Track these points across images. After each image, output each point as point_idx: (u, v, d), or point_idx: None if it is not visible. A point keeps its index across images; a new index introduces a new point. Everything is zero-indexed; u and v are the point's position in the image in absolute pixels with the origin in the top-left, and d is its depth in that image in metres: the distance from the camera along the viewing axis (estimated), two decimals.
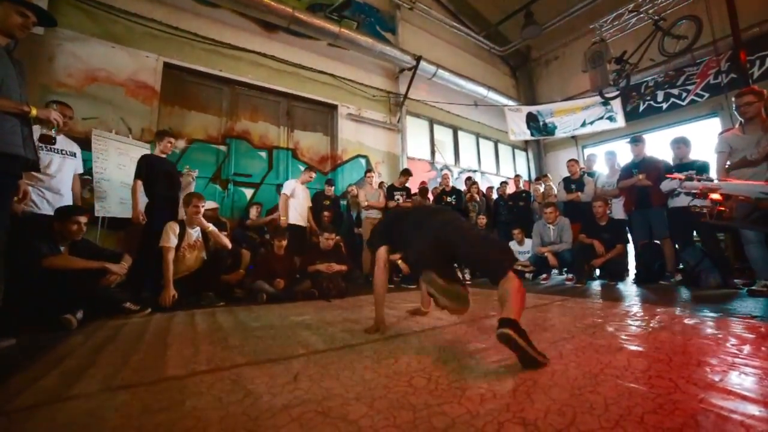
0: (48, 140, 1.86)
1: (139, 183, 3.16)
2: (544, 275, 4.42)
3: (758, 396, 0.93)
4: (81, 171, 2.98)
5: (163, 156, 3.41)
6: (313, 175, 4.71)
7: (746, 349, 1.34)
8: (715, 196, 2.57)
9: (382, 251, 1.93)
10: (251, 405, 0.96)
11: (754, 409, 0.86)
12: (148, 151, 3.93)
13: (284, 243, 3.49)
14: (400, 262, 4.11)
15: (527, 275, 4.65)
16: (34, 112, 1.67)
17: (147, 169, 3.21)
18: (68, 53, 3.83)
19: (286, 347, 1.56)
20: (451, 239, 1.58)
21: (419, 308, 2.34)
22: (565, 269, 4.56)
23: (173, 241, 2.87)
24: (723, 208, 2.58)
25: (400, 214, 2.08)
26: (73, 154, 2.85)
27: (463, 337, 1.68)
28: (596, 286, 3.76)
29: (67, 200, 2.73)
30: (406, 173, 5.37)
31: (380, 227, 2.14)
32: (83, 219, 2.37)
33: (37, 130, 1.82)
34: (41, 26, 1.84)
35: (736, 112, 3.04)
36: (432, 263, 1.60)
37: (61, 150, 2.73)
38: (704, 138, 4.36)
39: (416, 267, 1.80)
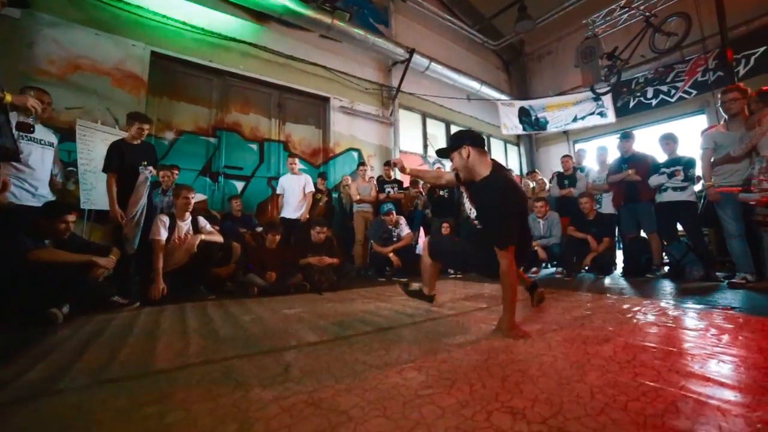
0: (26, 128, 1.80)
1: (112, 176, 2.83)
2: (534, 269, 4.49)
3: (734, 382, 0.97)
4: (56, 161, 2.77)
5: (137, 143, 3.00)
6: (295, 161, 4.55)
7: (725, 338, 1.39)
8: None
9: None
10: (241, 397, 0.96)
11: (730, 395, 0.89)
12: None
13: (278, 238, 3.46)
14: (392, 255, 4.13)
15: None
16: (9, 98, 1.60)
17: (118, 160, 2.84)
18: (49, 39, 3.69)
19: (277, 340, 1.56)
20: None
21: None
22: (555, 262, 4.63)
23: (163, 234, 2.82)
24: None
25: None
26: (51, 145, 2.64)
27: (453, 328, 1.70)
28: (585, 279, 3.83)
29: (45, 192, 2.58)
30: (388, 164, 5.37)
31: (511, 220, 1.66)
32: (72, 218, 2.30)
33: (14, 118, 1.75)
34: (13, 7, 1.75)
35: (720, 108, 3.10)
36: None
37: (40, 140, 2.54)
38: (692, 134, 4.48)
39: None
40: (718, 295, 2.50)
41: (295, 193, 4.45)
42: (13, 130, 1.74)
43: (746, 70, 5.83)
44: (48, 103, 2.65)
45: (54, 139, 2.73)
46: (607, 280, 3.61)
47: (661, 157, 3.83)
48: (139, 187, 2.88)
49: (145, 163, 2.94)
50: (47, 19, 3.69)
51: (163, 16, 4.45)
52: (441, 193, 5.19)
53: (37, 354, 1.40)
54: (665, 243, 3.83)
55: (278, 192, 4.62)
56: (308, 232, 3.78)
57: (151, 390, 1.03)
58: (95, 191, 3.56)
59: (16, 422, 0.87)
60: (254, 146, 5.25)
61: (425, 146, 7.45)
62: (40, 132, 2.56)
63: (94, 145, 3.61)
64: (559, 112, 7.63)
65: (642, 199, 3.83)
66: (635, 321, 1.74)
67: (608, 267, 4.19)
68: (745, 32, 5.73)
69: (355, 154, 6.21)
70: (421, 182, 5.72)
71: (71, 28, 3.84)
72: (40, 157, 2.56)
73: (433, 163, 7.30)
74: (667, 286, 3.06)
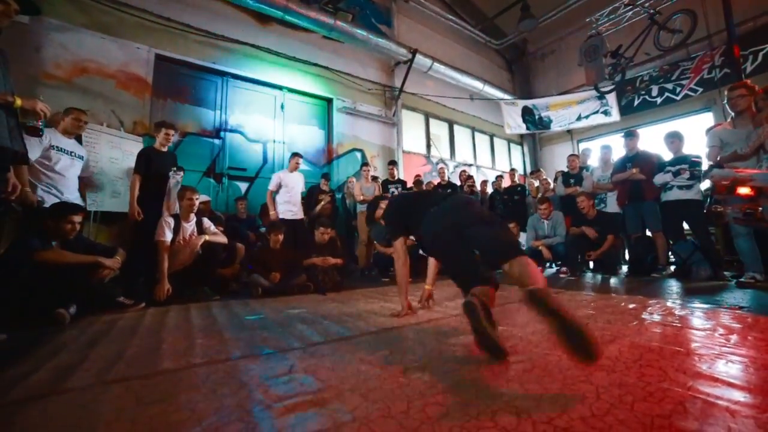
0: (35, 132, 1.82)
1: (138, 178, 3.12)
2: (539, 268, 4.47)
3: (743, 383, 0.96)
4: (83, 174, 3.01)
5: (163, 149, 3.34)
6: (300, 160, 4.44)
7: (733, 338, 1.37)
8: (744, 190, 2.15)
9: (400, 245, 1.94)
10: (246, 397, 0.96)
11: (739, 396, 0.88)
12: (140, 145, 3.87)
13: (280, 237, 3.47)
14: None
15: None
16: (18, 102, 1.62)
17: (146, 164, 3.15)
18: (56, 43, 3.74)
19: (282, 340, 1.56)
20: (465, 219, 1.53)
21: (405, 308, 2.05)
22: (559, 262, 4.61)
23: (168, 236, 2.85)
24: (755, 208, 2.14)
25: (408, 198, 2.07)
26: (81, 158, 2.90)
27: (457, 328, 1.69)
28: (590, 278, 3.80)
29: (72, 198, 2.74)
30: (392, 164, 5.39)
31: (391, 217, 2.05)
32: (78, 218, 2.33)
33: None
34: (24, 14, 1.79)
35: (726, 105, 3.07)
36: (447, 245, 1.57)
37: (71, 152, 2.78)
38: (698, 133, 4.44)
39: (432, 249, 1.84)
40: (726, 294, 2.46)
41: (297, 192, 4.39)
42: (23, 134, 1.76)
43: (753, 66, 5.76)
44: (84, 122, 2.92)
45: (84, 153, 2.94)
46: (613, 280, 3.58)
47: (667, 155, 3.79)
48: (171, 191, 3.15)
49: (175, 168, 3.25)
50: (54, 23, 3.74)
51: (167, 19, 4.49)
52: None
53: (45, 354, 1.42)
54: (671, 242, 3.79)
55: (272, 188, 4.24)
56: (312, 233, 3.79)
57: (157, 390, 1.03)
58: (101, 193, 3.59)
59: (24, 421, 0.88)
60: (258, 147, 5.27)
61: (428, 146, 7.45)
62: (73, 145, 2.82)
63: (100, 148, 3.65)
64: (563, 111, 7.58)
65: (647, 197, 3.80)
66: (641, 321, 1.72)
67: (613, 266, 4.16)
68: (752, 28, 5.65)
69: (359, 155, 6.21)
70: (426, 181, 5.73)
71: (78, 33, 3.88)
72: (69, 166, 2.74)
73: (436, 163, 7.29)
74: (674, 285, 3.03)
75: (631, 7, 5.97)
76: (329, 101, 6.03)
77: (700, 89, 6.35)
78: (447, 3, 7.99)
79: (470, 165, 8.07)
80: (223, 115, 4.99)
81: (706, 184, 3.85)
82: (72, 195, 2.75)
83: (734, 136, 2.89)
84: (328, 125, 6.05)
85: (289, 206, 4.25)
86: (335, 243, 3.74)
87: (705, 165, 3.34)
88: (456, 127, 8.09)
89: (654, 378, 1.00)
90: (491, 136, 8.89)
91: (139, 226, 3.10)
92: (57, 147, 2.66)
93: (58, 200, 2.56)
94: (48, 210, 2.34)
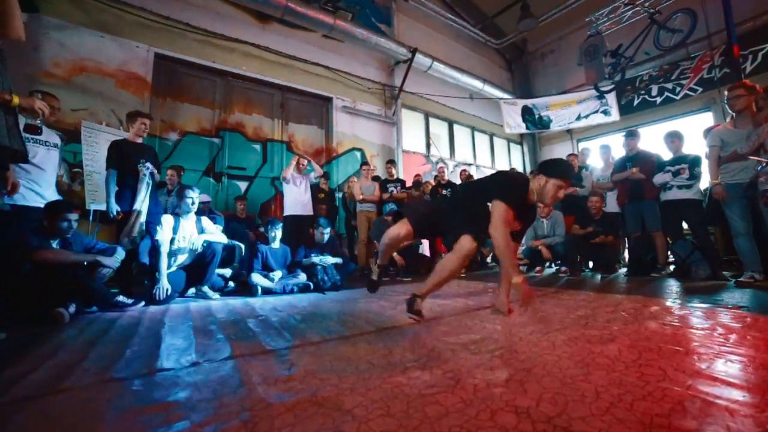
0: (34, 131, 1.81)
1: (111, 172, 2.88)
2: (538, 268, 4.47)
3: (742, 382, 0.96)
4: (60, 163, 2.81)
5: (139, 141, 3.08)
6: (304, 162, 4.49)
7: (732, 338, 1.37)
8: None
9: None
10: (245, 396, 0.96)
11: (738, 395, 0.88)
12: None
13: (278, 234, 3.47)
14: (395, 255, 4.13)
15: (521, 268, 4.70)
16: (16, 100, 1.61)
17: (117, 157, 2.90)
18: (54, 42, 3.73)
19: (281, 339, 1.56)
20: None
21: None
22: (558, 261, 4.61)
23: (168, 235, 2.84)
24: None
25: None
26: (56, 146, 2.68)
27: (457, 328, 1.70)
28: (589, 278, 3.81)
29: (52, 193, 2.61)
30: (390, 163, 5.41)
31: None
32: (74, 216, 2.31)
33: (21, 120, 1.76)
34: (22, 11, 1.77)
35: (726, 105, 3.07)
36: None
37: (45, 141, 2.59)
38: (697, 132, 4.45)
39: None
40: (725, 294, 2.47)
41: (301, 190, 4.45)
42: (21, 133, 1.75)
43: (753, 66, 5.76)
44: (57, 108, 2.74)
45: (58, 140, 2.73)
46: (612, 280, 3.59)
47: (667, 155, 3.79)
48: (141, 187, 2.92)
49: (143, 160, 2.99)
50: (53, 22, 3.73)
51: (166, 18, 4.48)
52: (444, 192, 5.17)
53: (44, 353, 1.42)
54: (670, 241, 3.79)
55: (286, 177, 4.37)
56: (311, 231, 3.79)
57: (156, 389, 1.03)
58: (100, 192, 3.58)
59: (24, 420, 0.88)
60: (257, 147, 5.27)
61: (428, 145, 7.44)
62: (45, 134, 2.58)
63: (99, 146, 3.65)
64: (563, 111, 7.58)
65: (646, 197, 3.80)
66: (640, 320, 1.73)
67: (612, 266, 4.17)
68: (751, 28, 5.65)
69: (358, 154, 6.21)
70: (424, 180, 5.73)
71: (76, 31, 3.88)
72: (47, 158, 2.59)
73: (436, 163, 7.28)
74: (673, 285, 3.03)
75: (631, 6, 5.97)
76: (329, 100, 6.02)
77: (700, 89, 6.35)
78: (447, 2, 7.98)
79: (470, 164, 8.07)
80: (223, 114, 4.98)
81: (705, 184, 3.86)
82: (51, 190, 2.57)
83: (734, 136, 2.89)
84: (327, 124, 6.04)
85: (295, 204, 4.38)
86: (335, 242, 3.74)
87: (705, 165, 3.34)
88: (456, 127, 8.09)
89: (653, 377, 1.00)
90: (491, 136, 8.89)
91: (118, 225, 2.90)
92: (32, 138, 2.41)
93: (38, 198, 2.43)
94: (44, 209, 2.33)
